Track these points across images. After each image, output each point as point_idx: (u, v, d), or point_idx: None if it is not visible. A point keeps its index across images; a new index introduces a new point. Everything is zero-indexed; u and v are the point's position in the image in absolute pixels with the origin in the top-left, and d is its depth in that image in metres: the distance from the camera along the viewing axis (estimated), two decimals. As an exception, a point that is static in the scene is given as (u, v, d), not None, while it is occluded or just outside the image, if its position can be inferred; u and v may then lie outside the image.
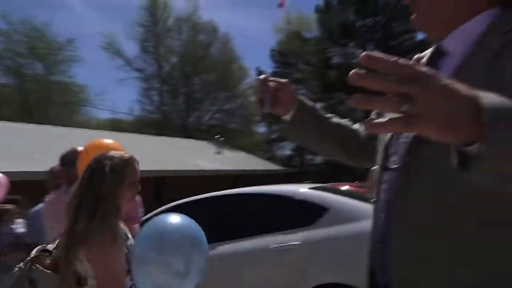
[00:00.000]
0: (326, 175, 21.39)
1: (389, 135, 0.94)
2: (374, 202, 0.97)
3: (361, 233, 2.75)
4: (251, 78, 34.06)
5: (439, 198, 0.76)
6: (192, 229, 1.51)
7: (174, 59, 31.17)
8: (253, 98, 35.85)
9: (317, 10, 28.37)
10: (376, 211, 0.94)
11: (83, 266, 1.55)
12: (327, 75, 28.27)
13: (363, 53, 0.56)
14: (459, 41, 0.84)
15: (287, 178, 19.23)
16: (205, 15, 40.69)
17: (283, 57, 33.64)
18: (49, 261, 1.61)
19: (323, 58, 28.36)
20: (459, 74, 0.77)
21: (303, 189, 3.72)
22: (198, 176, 14.81)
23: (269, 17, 61.42)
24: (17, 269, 1.61)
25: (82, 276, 1.56)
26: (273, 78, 1.25)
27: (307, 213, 3.34)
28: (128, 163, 1.70)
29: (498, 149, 0.51)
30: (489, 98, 0.53)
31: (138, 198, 4.65)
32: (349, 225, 3.12)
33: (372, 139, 1.14)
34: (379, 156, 0.98)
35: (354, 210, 3.22)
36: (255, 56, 64.96)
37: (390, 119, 0.53)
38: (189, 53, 30.16)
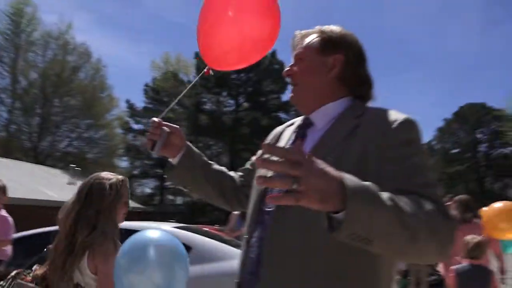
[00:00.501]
0: (185, 217, 21.30)
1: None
2: (245, 239, 1.13)
3: (223, 273, 2.91)
4: (119, 109, 32.76)
5: (304, 239, 0.98)
6: (174, 244, 1.52)
7: (33, 76, 28.21)
8: (120, 131, 34.50)
9: (196, 56, 29.42)
10: (248, 247, 1.10)
11: (83, 276, 1.63)
12: (198, 119, 28.99)
13: (264, 144, 0.81)
14: (322, 117, 1.14)
15: (145, 217, 18.51)
16: (78, 36, 38.25)
17: (157, 94, 33.44)
18: (29, 278, 1.70)
19: (196, 102, 29.11)
20: (320, 142, 1.08)
21: (166, 227, 3.75)
22: (47, 207, 13.29)
23: (146, 52, 60.75)
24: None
25: (81, 286, 1.64)
26: (166, 123, 1.33)
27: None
28: (123, 184, 1.85)
29: (355, 217, 0.74)
30: (350, 179, 0.77)
31: (11, 220, 4.09)
32: (212, 265, 3.26)
33: (246, 187, 1.32)
34: (254, 200, 1.16)
35: (216, 251, 3.39)
36: (126, 88, 62.83)
37: (284, 194, 0.74)
38: (53, 72, 27.72)
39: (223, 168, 1.43)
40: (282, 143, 1.24)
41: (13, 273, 1.72)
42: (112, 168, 31.93)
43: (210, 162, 1.40)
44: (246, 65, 1.41)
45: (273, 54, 29.00)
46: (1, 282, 1.69)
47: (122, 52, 57.04)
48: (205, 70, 1.38)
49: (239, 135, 26.13)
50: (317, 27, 1.22)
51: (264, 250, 1.03)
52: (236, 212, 5.20)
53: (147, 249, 1.42)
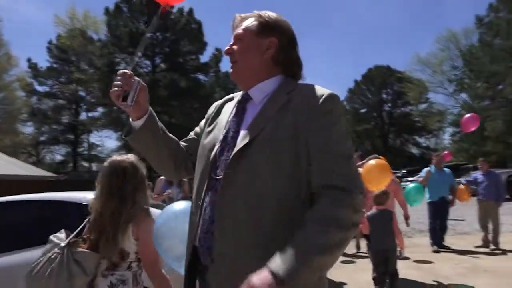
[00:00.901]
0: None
1: (213, 152, 1.24)
2: (196, 203, 1.24)
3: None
4: (20, 69, 29.63)
5: (249, 200, 1.11)
6: None
7: None
8: (22, 93, 31.30)
9: (107, 12, 27.28)
10: (200, 210, 1.20)
11: (129, 242, 1.95)
12: (112, 80, 27.35)
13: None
14: (259, 93, 1.27)
15: (57, 186, 17.44)
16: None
17: (62, 53, 30.73)
18: (84, 244, 1.97)
19: (108, 62, 27.29)
20: (259, 114, 1.22)
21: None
22: None
23: (49, 5, 54.63)
24: (54, 254, 1.87)
25: (126, 251, 1.95)
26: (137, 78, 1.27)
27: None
28: (142, 166, 2.12)
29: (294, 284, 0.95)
30: (275, 265, 0.96)
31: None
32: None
33: (192, 155, 1.41)
34: (202, 169, 1.26)
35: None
36: (27, 45, 56.51)
37: None
38: None
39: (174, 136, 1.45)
40: (224, 116, 1.34)
41: (67, 241, 1.93)
42: (15, 134, 29.29)
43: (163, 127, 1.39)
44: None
45: (190, 13, 27.99)
46: (56, 250, 1.90)
47: (20, 4, 50.75)
48: (162, 7, 1.42)
49: (156, 97, 25.24)
50: (256, 12, 1.33)
51: (216, 213, 1.15)
52: (162, 178, 5.20)
53: (178, 219, 1.76)
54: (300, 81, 1.33)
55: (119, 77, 1.27)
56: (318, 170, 1.12)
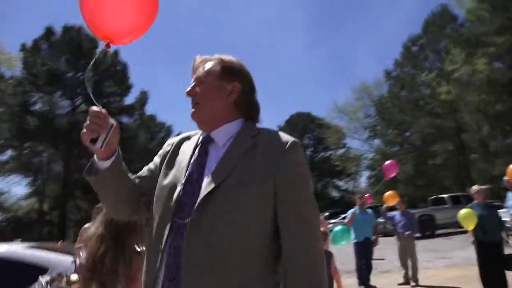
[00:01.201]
0: (6, 235, 18.56)
1: (175, 195, 1.20)
2: (155, 248, 1.18)
3: None
4: None
5: (216, 246, 1.11)
6: None
7: None
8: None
9: (23, 49, 25.76)
10: (160, 254, 1.16)
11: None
12: (25, 121, 25.38)
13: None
14: (222, 135, 1.27)
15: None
16: None
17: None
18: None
19: (22, 101, 25.39)
20: (225, 158, 1.21)
21: (24, 249, 3.28)
22: None
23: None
24: None
25: None
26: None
27: (26, 276, 2.94)
28: None
29: None
30: None
31: None
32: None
33: (145, 195, 1.34)
34: (163, 211, 1.20)
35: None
36: None
37: None
38: None
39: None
40: (183, 156, 1.31)
41: (48, 279, 1.92)
42: None
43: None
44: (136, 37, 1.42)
45: (115, 54, 27.50)
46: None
47: None
48: (105, 44, 1.35)
49: (75, 140, 23.84)
50: (217, 56, 1.36)
51: (184, 261, 1.11)
52: (86, 226, 4.86)
53: None
54: (258, 125, 1.35)
55: (93, 118, 1.18)
56: (286, 233, 1.17)
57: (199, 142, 1.32)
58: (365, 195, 8.13)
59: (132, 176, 1.35)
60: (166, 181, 1.26)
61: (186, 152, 1.32)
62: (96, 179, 1.24)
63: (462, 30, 26.31)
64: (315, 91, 76.99)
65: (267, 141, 1.23)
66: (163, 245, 1.16)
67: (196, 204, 1.14)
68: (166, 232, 1.17)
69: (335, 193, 50.73)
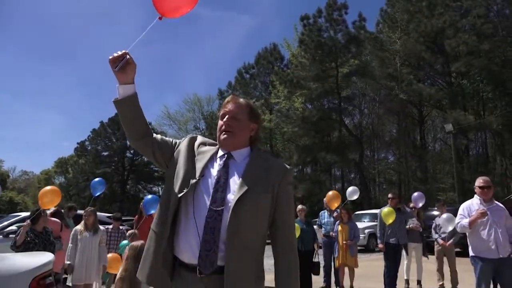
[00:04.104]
0: None
1: (210, 190, 1.66)
2: (190, 223, 1.61)
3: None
4: None
5: (247, 231, 1.59)
6: None
7: None
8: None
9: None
10: (195, 231, 1.59)
11: None
12: None
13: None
14: (240, 155, 1.77)
15: None
16: None
17: None
18: None
19: None
20: (247, 171, 1.69)
21: None
22: None
23: None
24: None
25: None
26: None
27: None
28: None
29: None
30: None
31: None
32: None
33: (158, 149, 1.82)
34: (200, 200, 1.63)
35: None
36: None
37: None
38: None
39: None
40: (204, 156, 1.79)
41: None
42: None
43: None
44: (181, 14, 1.94)
45: None
46: None
47: None
48: (159, 17, 1.86)
49: None
50: (245, 100, 1.88)
51: (228, 235, 1.57)
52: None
53: None
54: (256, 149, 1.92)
55: (120, 51, 1.73)
56: (284, 225, 1.72)
57: (219, 155, 1.79)
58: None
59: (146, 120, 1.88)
60: (190, 166, 1.74)
61: (205, 156, 1.78)
62: (117, 102, 1.76)
63: (287, 70, 30.49)
64: (143, 92, 75.11)
65: (274, 164, 1.77)
66: (198, 225, 1.60)
67: (234, 200, 1.60)
68: (205, 216, 1.60)
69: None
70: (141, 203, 7.09)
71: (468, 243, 4.57)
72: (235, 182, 1.67)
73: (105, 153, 48.51)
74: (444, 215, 7.30)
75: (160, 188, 49.85)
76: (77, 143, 49.44)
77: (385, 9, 29.57)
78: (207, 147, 1.83)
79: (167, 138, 1.91)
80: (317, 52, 26.74)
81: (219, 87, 37.15)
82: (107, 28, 72.94)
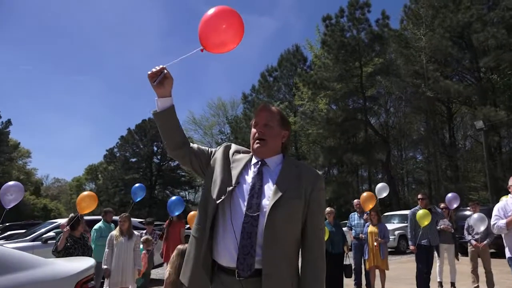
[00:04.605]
0: None
1: (246, 196, 1.71)
2: (228, 227, 1.68)
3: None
4: None
5: (282, 235, 1.65)
6: None
7: None
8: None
9: None
10: (233, 235, 1.66)
11: None
12: None
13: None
14: (273, 162, 1.84)
15: None
16: None
17: None
18: None
19: None
20: (281, 177, 1.75)
21: None
22: None
23: None
24: None
25: None
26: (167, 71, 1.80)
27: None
28: None
29: None
30: None
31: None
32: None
33: (195, 157, 1.90)
34: (237, 206, 1.70)
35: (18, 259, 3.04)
36: None
37: None
38: None
39: None
40: (239, 164, 1.85)
41: None
42: None
43: None
44: (224, 51, 2.00)
45: None
46: None
47: None
48: (200, 48, 1.92)
49: None
50: (276, 107, 1.94)
51: (265, 244, 1.63)
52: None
53: None
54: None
55: (158, 67, 1.80)
56: (314, 231, 1.76)
57: (253, 163, 1.86)
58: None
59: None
60: (226, 173, 1.81)
61: (240, 163, 1.85)
62: (165, 112, 1.83)
63: (310, 72, 30.36)
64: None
65: (306, 171, 1.82)
66: (236, 230, 1.66)
67: (269, 206, 1.66)
68: (242, 222, 1.67)
69: (177, 203, 50.89)
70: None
71: (504, 244, 4.47)
72: (269, 188, 1.73)
73: (133, 160, 49.58)
74: (475, 215, 7.15)
75: (187, 193, 50.57)
76: (106, 150, 50.71)
77: (409, 6, 29.05)
78: (241, 155, 1.90)
79: (203, 147, 1.98)
80: (340, 52, 26.50)
81: (243, 91, 37.40)
82: (129, 37, 74.59)
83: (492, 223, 4.54)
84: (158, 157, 50.85)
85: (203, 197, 1.87)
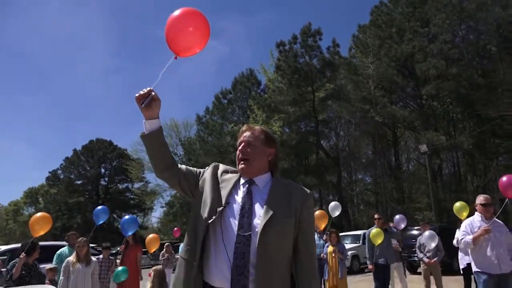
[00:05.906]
0: None
1: (237, 216, 1.70)
2: (220, 249, 1.65)
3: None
4: None
5: (273, 255, 1.64)
6: None
7: None
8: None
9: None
10: (225, 256, 1.62)
11: None
12: None
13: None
14: (261, 181, 1.83)
15: None
16: None
17: None
18: None
19: None
20: (270, 196, 1.75)
21: None
22: None
23: None
24: None
25: None
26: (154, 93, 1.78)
27: None
28: None
29: None
30: None
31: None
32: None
33: (183, 179, 1.86)
34: (228, 226, 1.68)
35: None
36: None
37: None
38: None
39: None
40: (227, 184, 1.84)
41: None
42: None
43: None
44: (192, 54, 2.01)
45: None
46: None
47: None
48: (174, 57, 1.92)
49: None
50: (259, 127, 1.96)
51: (258, 265, 1.61)
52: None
53: None
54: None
55: (145, 89, 1.79)
56: (306, 248, 1.77)
57: (241, 183, 1.85)
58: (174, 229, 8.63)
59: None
60: (215, 195, 1.78)
61: (229, 183, 1.84)
62: (152, 134, 1.80)
63: (264, 95, 30.88)
64: (116, 119, 74.44)
65: (295, 189, 1.83)
66: (228, 251, 1.64)
67: (261, 225, 1.66)
68: (234, 242, 1.65)
69: (124, 227, 48.88)
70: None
71: (470, 259, 4.75)
72: (260, 207, 1.73)
73: (79, 182, 47.31)
74: (427, 233, 7.49)
75: (136, 216, 48.63)
76: (49, 172, 48.02)
77: (357, 35, 30.64)
78: (229, 175, 1.89)
79: (191, 168, 1.95)
80: (294, 77, 27.25)
81: (197, 112, 37.11)
82: (75, 54, 72.25)
83: (459, 238, 4.78)
84: (106, 179, 48.88)
85: (192, 218, 1.83)
